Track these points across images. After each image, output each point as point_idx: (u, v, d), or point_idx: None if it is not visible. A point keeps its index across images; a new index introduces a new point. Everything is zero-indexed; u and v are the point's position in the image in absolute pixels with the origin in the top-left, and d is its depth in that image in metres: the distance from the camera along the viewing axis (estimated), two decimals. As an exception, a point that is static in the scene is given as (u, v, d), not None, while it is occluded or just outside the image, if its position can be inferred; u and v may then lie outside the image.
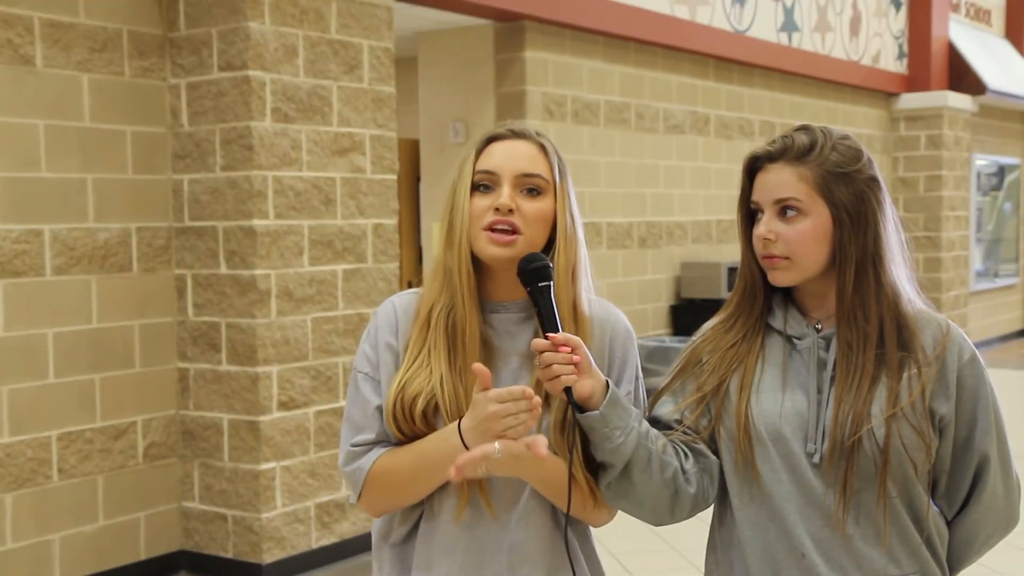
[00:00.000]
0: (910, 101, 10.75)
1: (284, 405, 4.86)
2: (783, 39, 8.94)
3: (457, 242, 1.77)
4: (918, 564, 1.71)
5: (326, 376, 5.03)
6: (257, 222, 4.76)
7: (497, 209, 1.74)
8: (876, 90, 10.46)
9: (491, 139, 1.82)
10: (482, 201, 1.77)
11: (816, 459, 1.68)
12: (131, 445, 4.82)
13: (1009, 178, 13.11)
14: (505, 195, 1.75)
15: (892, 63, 10.71)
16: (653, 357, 6.73)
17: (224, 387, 4.87)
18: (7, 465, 4.38)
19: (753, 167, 1.78)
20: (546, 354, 1.63)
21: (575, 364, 1.63)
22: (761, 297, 1.78)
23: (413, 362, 1.76)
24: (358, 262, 5.17)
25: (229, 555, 4.88)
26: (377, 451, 1.77)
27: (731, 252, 8.53)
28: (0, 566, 4.37)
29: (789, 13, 9.03)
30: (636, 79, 7.59)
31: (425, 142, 7.19)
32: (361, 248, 5.19)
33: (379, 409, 1.78)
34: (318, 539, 5.02)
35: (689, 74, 8.09)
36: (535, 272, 1.68)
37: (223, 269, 4.85)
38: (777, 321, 1.77)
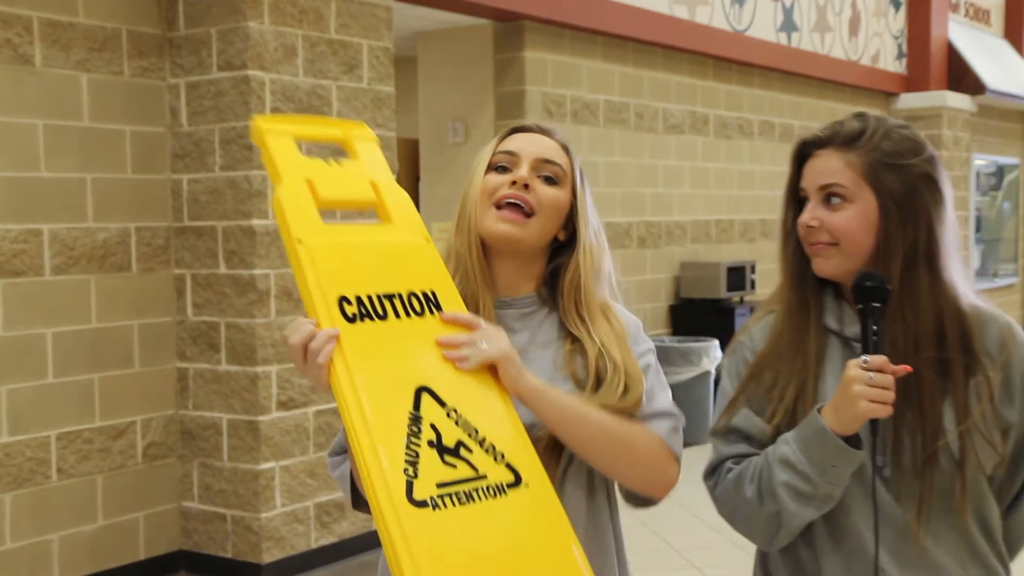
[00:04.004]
0: (909, 101, 10.75)
1: (283, 405, 4.86)
2: (782, 39, 8.94)
3: (467, 223, 1.71)
4: (986, 571, 1.67)
5: (325, 376, 5.02)
6: (256, 222, 4.76)
7: (514, 183, 1.69)
8: (875, 90, 10.46)
9: (516, 129, 1.78)
10: (497, 178, 1.71)
11: (887, 472, 1.62)
12: (130, 445, 4.82)
13: (1008, 178, 13.12)
14: (524, 169, 1.70)
15: (891, 63, 10.71)
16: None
17: (223, 387, 4.87)
18: (6, 465, 4.38)
19: (802, 154, 1.71)
20: (877, 376, 1.53)
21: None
22: (809, 294, 1.70)
23: None
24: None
25: (228, 555, 4.88)
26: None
27: (730, 252, 8.54)
28: (2, 565, 4.37)
29: (788, 13, 9.03)
30: (635, 79, 7.59)
31: (424, 142, 7.19)
32: (360, 248, 5.18)
33: None
34: (317, 539, 5.02)
35: (688, 74, 8.10)
36: (869, 291, 1.59)
37: (222, 269, 4.85)
38: (832, 321, 1.68)
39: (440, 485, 1.45)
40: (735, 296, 8.01)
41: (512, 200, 1.69)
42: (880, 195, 1.63)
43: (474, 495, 1.48)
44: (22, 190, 4.43)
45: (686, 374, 7.29)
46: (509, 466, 1.53)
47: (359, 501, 1.69)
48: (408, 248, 1.65)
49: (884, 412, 1.52)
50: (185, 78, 4.89)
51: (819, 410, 1.57)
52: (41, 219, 4.48)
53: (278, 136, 1.66)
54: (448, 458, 1.48)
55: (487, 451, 1.52)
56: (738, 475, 1.66)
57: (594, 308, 1.72)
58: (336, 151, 1.78)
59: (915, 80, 10.87)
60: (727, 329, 7.79)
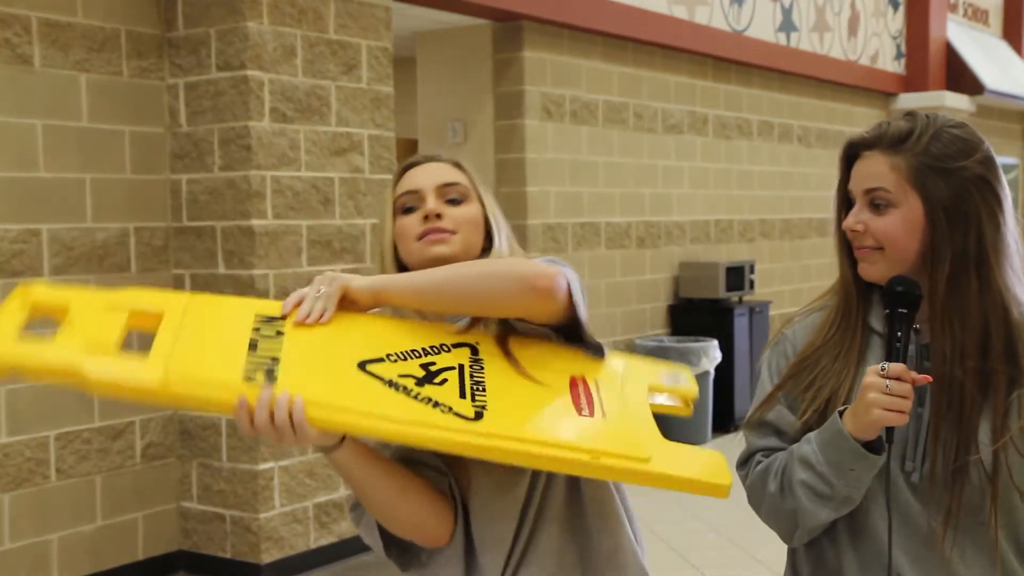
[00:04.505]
0: (908, 101, 10.75)
1: (282, 405, 4.85)
2: (781, 39, 8.94)
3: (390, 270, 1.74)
4: None
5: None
6: (255, 222, 4.76)
7: (426, 218, 1.70)
8: (874, 90, 10.46)
9: (406, 168, 1.80)
10: (408, 219, 1.73)
11: (915, 478, 1.58)
12: (129, 445, 4.82)
13: (1007, 178, 13.12)
14: (430, 202, 1.72)
15: (890, 63, 10.72)
16: (652, 357, 6.72)
17: (222, 387, 4.86)
18: (5, 465, 4.38)
19: (850, 155, 1.66)
20: (894, 384, 1.49)
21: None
22: (856, 294, 1.66)
23: None
24: (356, 262, 5.17)
25: (227, 555, 4.88)
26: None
27: (729, 252, 8.54)
28: (-2, 566, 4.37)
29: (787, 13, 9.03)
30: (634, 79, 7.59)
31: (424, 142, 7.19)
32: (359, 248, 5.19)
33: None
34: (316, 539, 5.02)
35: (688, 74, 8.10)
36: (898, 296, 1.55)
37: (221, 269, 4.85)
38: (876, 322, 1.65)
39: (462, 396, 1.52)
40: (734, 296, 8.01)
41: (430, 234, 1.71)
42: (926, 200, 1.57)
43: (478, 380, 1.56)
44: (21, 190, 4.43)
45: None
46: (457, 345, 1.62)
47: (390, 546, 1.68)
48: (187, 320, 1.61)
49: (899, 421, 1.50)
50: (184, 78, 4.89)
51: (841, 413, 1.56)
52: (40, 219, 4.48)
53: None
54: (435, 379, 1.54)
55: (437, 352, 1.59)
56: (765, 469, 1.65)
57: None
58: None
59: (914, 80, 10.88)
60: (726, 329, 7.80)
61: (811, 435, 1.60)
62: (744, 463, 1.71)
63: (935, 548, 1.57)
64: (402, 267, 1.74)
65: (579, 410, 1.54)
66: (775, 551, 1.85)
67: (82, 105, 4.62)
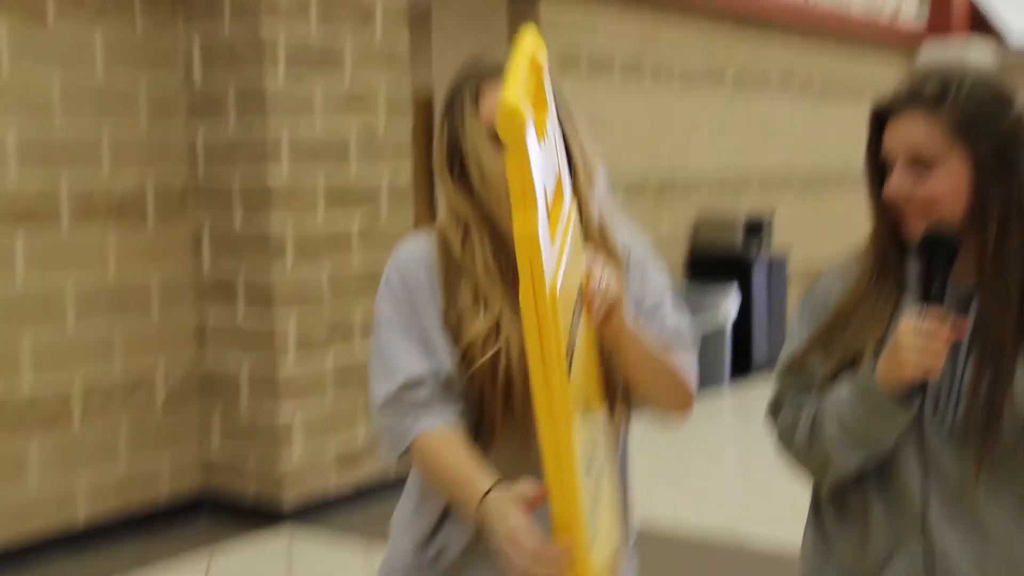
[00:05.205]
0: (931, 53, 10.63)
1: (301, 352, 4.96)
2: (800, -9, 8.88)
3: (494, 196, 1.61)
4: None
5: (343, 327, 5.12)
6: (272, 176, 4.84)
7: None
8: (895, 44, 10.37)
9: (482, 81, 1.68)
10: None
11: (947, 427, 1.56)
12: (151, 393, 4.94)
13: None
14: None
15: (911, 17, 10.61)
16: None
17: (241, 336, 4.97)
18: (31, 408, 4.51)
19: (881, 116, 1.61)
20: (927, 337, 1.47)
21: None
22: (891, 250, 1.63)
23: (457, 307, 1.62)
24: (372, 215, 5.25)
25: (250, 499, 5.01)
26: (433, 420, 1.59)
27: (747, 204, 8.54)
28: (26, 508, 4.51)
29: (806, -35, 8.96)
30: (652, 31, 7.58)
31: (439, 96, 7.22)
32: (375, 201, 5.26)
33: (422, 346, 1.62)
34: (337, 483, 5.13)
35: (706, 28, 8.07)
36: (934, 248, 1.54)
37: (238, 223, 4.94)
38: (913, 275, 1.61)
39: (591, 509, 1.43)
40: (753, 248, 8.01)
41: None
42: (971, 155, 1.54)
43: (599, 489, 1.49)
44: (39, 141, 4.52)
45: (703, 322, 7.32)
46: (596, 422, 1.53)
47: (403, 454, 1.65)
48: (575, 236, 1.47)
49: (933, 372, 1.49)
50: (199, 32, 4.95)
51: (874, 363, 1.55)
52: (58, 172, 4.58)
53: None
54: (588, 475, 1.44)
55: (590, 423, 1.49)
56: (794, 416, 1.66)
57: (594, 234, 1.70)
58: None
59: (936, 32, 10.76)
60: (744, 282, 7.81)
61: (843, 384, 1.60)
62: (774, 410, 1.71)
63: (965, 497, 1.56)
64: (461, 173, 1.65)
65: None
66: (799, 497, 1.86)
67: (97, 60, 4.69)
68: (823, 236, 9.35)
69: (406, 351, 1.61)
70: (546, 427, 1.31)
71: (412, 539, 1.67)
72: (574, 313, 1.40)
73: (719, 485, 5.46)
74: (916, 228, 1.57)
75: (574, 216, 1.53)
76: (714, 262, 7.94)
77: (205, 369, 5.10)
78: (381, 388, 1.62)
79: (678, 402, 1.69)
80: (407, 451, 1.61)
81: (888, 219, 1.61)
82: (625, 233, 1.78)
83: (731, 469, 5.73)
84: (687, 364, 1.68)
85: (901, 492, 1.59)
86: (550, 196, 1.36)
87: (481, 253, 1.62)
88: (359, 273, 5.17)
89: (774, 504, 5.04)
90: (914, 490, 1.58)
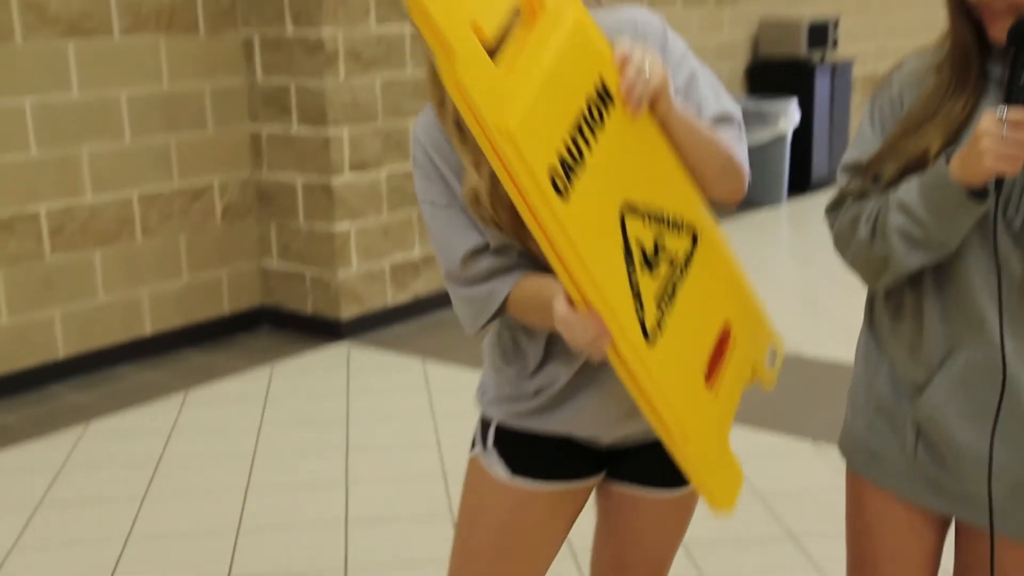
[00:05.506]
0: None
1: (356, 167, 4.92)
2: None
3: None
4: None
5: (396, 138, 5.05)
6: (322, -20, 4.68)
7: None
8: None
9: None
10: None
11: (1016, 225, 1.51)
12: (209, 206, 4.95)
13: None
14: None
15: None
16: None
17: (296, 149, 4.93)
18: (93, 223, 4.54)
19: None
20: (1011, 131, 1.41)
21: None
22: (975, 57, 1.54)
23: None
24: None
25: (308, 311, 5.08)
26: (506, 279, 1.57)
27: (812, 8, 8.20)
28: (96, 318, 4.61)
29: None
30: None
31: None
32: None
33: (467, 215, 1.57)
34: (394, 296, 5.18)
35: None
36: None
37: (290, 30, 4.81)
38: (995, 70, 1.54)
39: (658, 302, 1.43)
40: (816, 55, 7.74)
41: None
42: None
43: (675, 286, 1.46)
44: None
45: (762, 135, 7.17)
46: (687, 228, 1.49)
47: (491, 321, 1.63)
48: (568, 43, 1.40)
49: (1012, 169, 1.43)
50: None
51: (948, 159, 1.50)
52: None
53: None
54: (654, 266, 1.43)
55: (673, 229, 1.47)
56: (856, 213, 1.61)
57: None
58: None
59: None
60: (806, 89, 7.59)
61: (912, 180, 1.54)
62: (835, 207, 1.67)
63: None
64: None
65: (707, 378, 1.49)
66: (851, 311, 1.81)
67: None
68: (889, 43, 8.99)
69: (454, 225, 1.58)
70: (549, 252, 1.35)
71: (515, 371, 1.67)
72: (583, 119, 1.37)
73: (774, 302, 5.44)
74: (1000, 28, 1.48)
75: (572, 15, 1.42)
76: (775, 69, 7.70)
77: (261, 183, 5.08)
78: (445, 265, 1.61)
79: (730, 187, 1.59)
80: (491, 319, 1.60)
81: (970, 19, 1.53)
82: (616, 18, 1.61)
83: (787, 286, 5.70)
84: (736, 145, 1.60)
85: (962, 294, 1.55)
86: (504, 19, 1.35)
87: (453, 115, 1.53)
88: (413, 81, 5.05)
89: (831, 322, 5.03)
90: (977, 291, 1.54)
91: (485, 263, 1.57)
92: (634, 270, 1.40)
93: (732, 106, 1.63)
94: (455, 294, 1.62)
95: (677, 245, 1.48)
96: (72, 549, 3.14)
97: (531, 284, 1.55)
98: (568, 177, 1.34)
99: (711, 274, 1.54)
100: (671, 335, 1.44)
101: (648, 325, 1.41)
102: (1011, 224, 1.52)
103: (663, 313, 1.44)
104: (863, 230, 1.59)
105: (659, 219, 1.45)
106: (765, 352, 1.64)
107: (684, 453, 1.44)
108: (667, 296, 1.45)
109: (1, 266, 4.29)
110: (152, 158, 4.71)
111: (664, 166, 1.49)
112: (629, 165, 1.43)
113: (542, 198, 1.31)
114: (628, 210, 1.41)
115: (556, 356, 1.62)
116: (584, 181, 1.36)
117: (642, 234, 1.42)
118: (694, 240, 1.50)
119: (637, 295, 1.40)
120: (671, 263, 1.46)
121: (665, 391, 1.41)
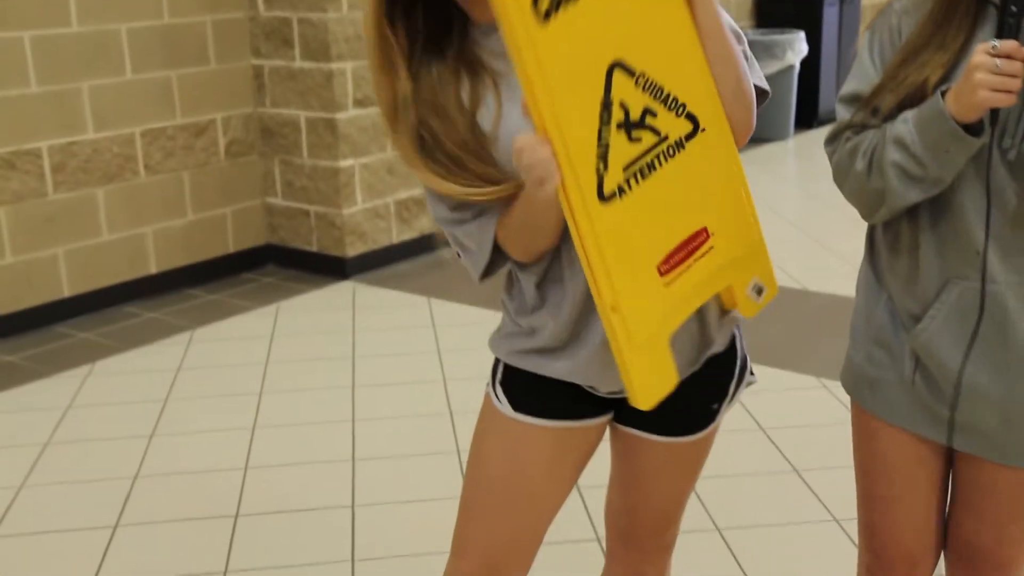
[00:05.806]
0: None
1: (359, 103, 4.87)
2: None
3: None
4: None
5: (400, 73, 4.99)
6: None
7: None
8: None
9: None
10: None
11: (1011, 156, 1.51)
12: (212, 142, 4.91)
13: None
14: None
15: None
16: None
17: (299, 84, 4.88)
18: (95, 161, 4.51)
19: None
20: (1005, 63, 1.41)
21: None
22: None
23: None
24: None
25: (313, 248, 5.06)
26: (486, 220, 1.59)
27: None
28: (101, 255, 4.60)
29: None
30: None
31: None
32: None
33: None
34: (399, 233, 5.16)
35: None
36: None
37: (291, -38, 4.74)
38: (988, 15, 1.53)
39: (626, 167, 1.41)
40: (825, -14, 7.62)
41: None
42: None
43: (656, 163, 1.45)
44: None
45: (769, 68, 7.08)
46: (689, 115, 1.48)
47: (493, 264, 1.63)
48: None
49: (1007, 101, 1.43)
50: None
51: (943, 93, 1.49)
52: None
53: None
54: (635, 133, 1.42)
55: (671, 108, 1.46)
56: (854, 146, 1.60)
57: None
58: None
59: None
60: (814, 21, 7.49)
61: (908, 114, 1.54)
62: (833, 139, 1.66)
63: (1021, 228, 1.53)
64: None
65: (660, 265, 1.47)
66: (852, 245, 1.80)
67: None
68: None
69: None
70: (519, 69, 1.33)
71: (515, 307, 1.68)
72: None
73: (781, 236, 5.41)
74: None
75: None
76: (784, 2, 7.58)
77: (264, 119, 5.04)
78: (435, 212, 1.65)
79: (739, 116, 1.56)
80: (491, 262, 1.61)
81: None
82: None
83: (793, 221, 5.66)
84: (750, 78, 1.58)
85: (957, 228, 1.55)
86: None
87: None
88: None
89: (838, 257, 5.01)
90: (972, 225, 1.54)
91: (474, 206, 1.59)
92: (608, 128, 1.39)
93: (742, 35, 1.61)
94: (454, 238, 1.64)
95: (671, 125, 1.46)
96: (80, 488, 3.16)
97: (514, 207, 1.54)
98: (556, 1, 1.33)
99: (704, 173, 1.52)
100: (632, 207, 1.42)
101: (607, 187, 1.39)
102: (1006, 155, 1.52)
103: (630, 184, 1.42)
104: (860, 164, 1.59)
105: (656, 92, 1.44)
106: (750, 280, 1.63)
107: (610, 319, 1.42)
108: (641, 168, 1.43)
109: (4, 204, 4.27)
110: (154, 93, 4.66)
111: (685, 54, 1.48)
112: (639, 29, 1.42)
113: (516, 4, 1.30)
114: (620, 67, 1.40)
115: (546, 304, 1.62)
116: (573, 14, 1.35)
117: (630, 97, 1.41)
118: (695, 130, 1.49)
119: (604, 155, 1.38)
120: (658, 139, 1.45)
121: (604, 250, 1.40)
